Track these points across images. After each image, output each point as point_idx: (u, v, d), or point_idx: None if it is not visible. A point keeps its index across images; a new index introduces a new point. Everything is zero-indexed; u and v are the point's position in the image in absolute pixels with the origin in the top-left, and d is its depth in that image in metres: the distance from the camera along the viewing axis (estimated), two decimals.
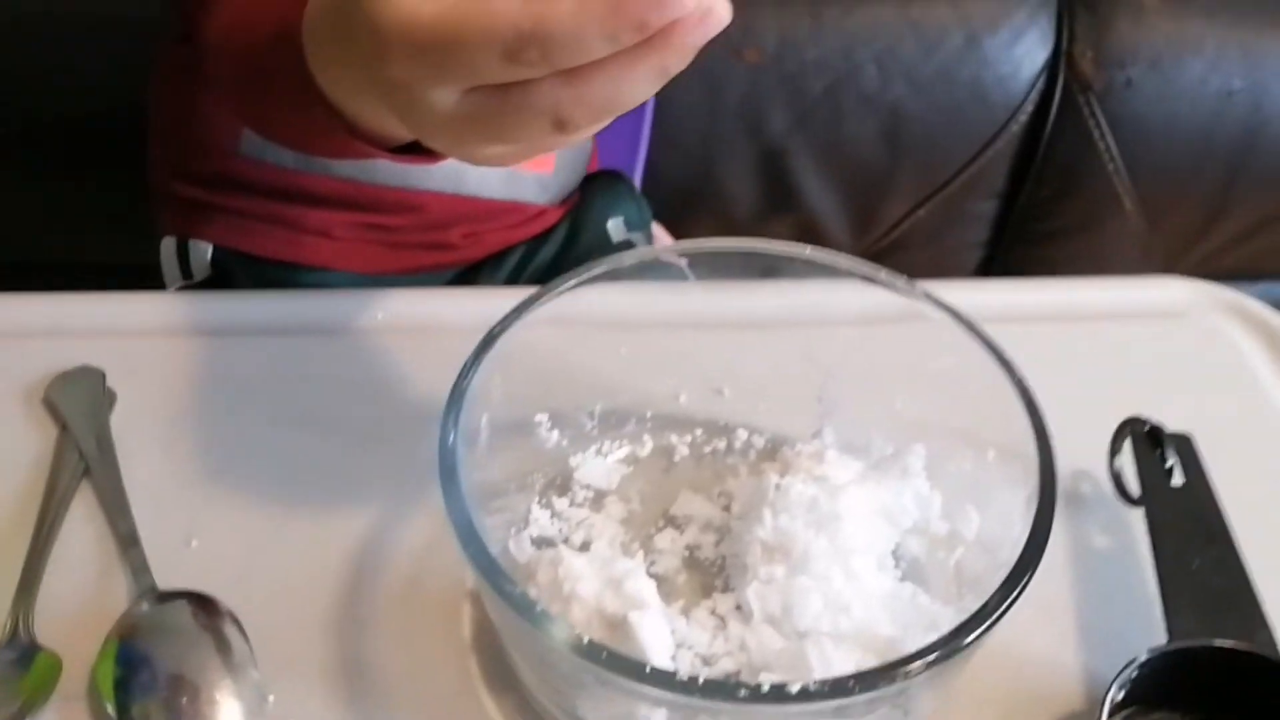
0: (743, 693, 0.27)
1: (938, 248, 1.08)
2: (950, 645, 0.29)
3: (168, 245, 0.68)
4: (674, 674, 0.28)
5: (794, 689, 0.27)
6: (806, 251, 0.42)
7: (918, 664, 0.28)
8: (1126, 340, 0.51)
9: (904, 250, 1.08)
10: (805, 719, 0.28)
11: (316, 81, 0.37)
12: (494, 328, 0.38)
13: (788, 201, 1.03)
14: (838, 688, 0.28)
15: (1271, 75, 0.95)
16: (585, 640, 0.28)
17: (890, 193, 1.03)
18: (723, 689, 0.28)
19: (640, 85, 0.28)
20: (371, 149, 0.39)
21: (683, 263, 0.43)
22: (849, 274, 0.41)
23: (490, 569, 0.30)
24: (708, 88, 0.96)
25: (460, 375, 0.36)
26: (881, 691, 0.28)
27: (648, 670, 0.28)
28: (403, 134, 0.39)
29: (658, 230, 0.83)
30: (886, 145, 0.99)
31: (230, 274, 0.66)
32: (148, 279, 0.70)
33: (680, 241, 0.46)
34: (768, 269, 0.44)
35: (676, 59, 0.28)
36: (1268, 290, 1.14)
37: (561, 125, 0.29)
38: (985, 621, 0.30)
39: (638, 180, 0.86)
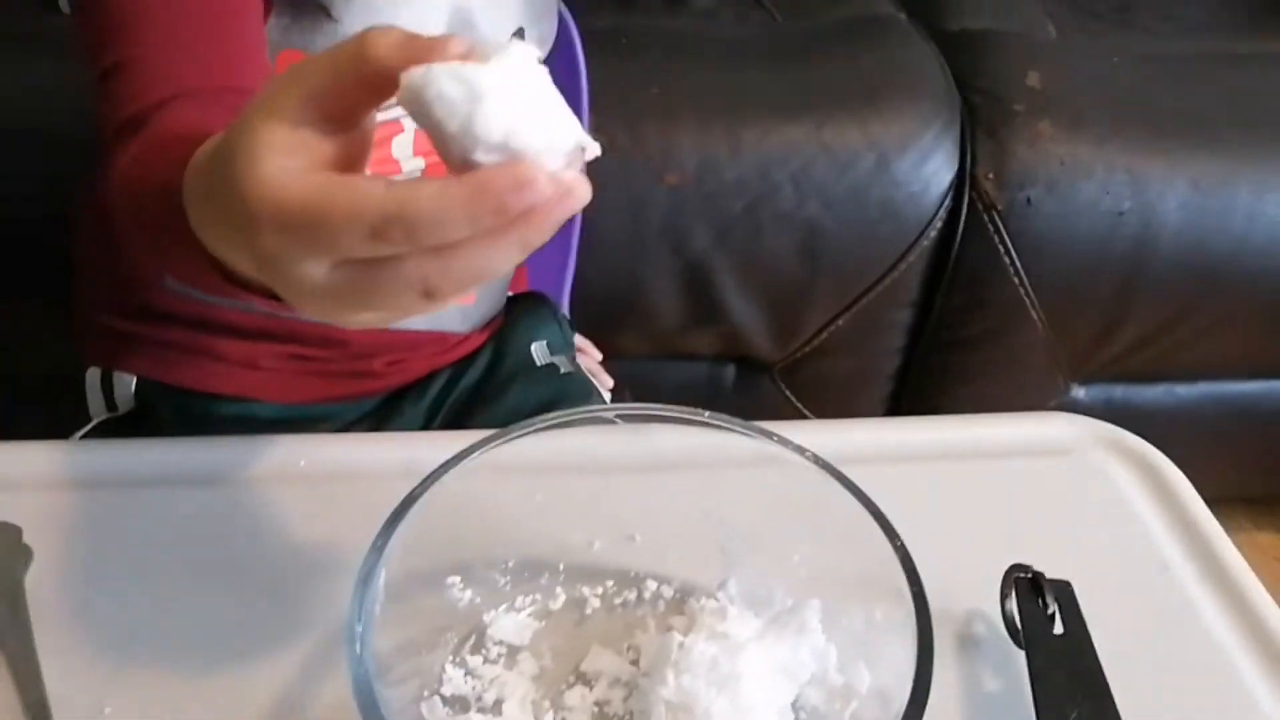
0: None
1: (857, 355, 1.13)
2: None
3: (93, 375, 0.68)
4: None
5: None
6: (704, 415, 0.44)
7: None
8: (1015, 477, 0.54)
9: (825, 357, 1.12)
10: None
11: (197, 236, 0.38)
12: (409, 494, 0.40)
13: (712, 314, 1.06)
14: None
15: (1157, 198, 1.02)
16: None
17: (810, 304, 1.07)
18: None
19: (503, 257, 0.30)
20: (255, 295, 0.40)
21: (612, 417, 0.45)
22: (741, 432, 0.43)
23: None
24: (632, 208, 1.00)
25: (372, 547, 0.38)
26: None
27: None
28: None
29: (583, 343, 0.85)
30: (805, 260, 1.03)
31: (154, 405, 0.66)
32: (72, 391, 0.70)
33: (609, 405, 0.47)
34: (670, 422, 0.46)
35: (537, 234, 0.30)
36: (1169, 390, 1.21)
37: (429, 294, 0.30)
38: None
39: (566, 295, 0.89)
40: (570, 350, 0.77)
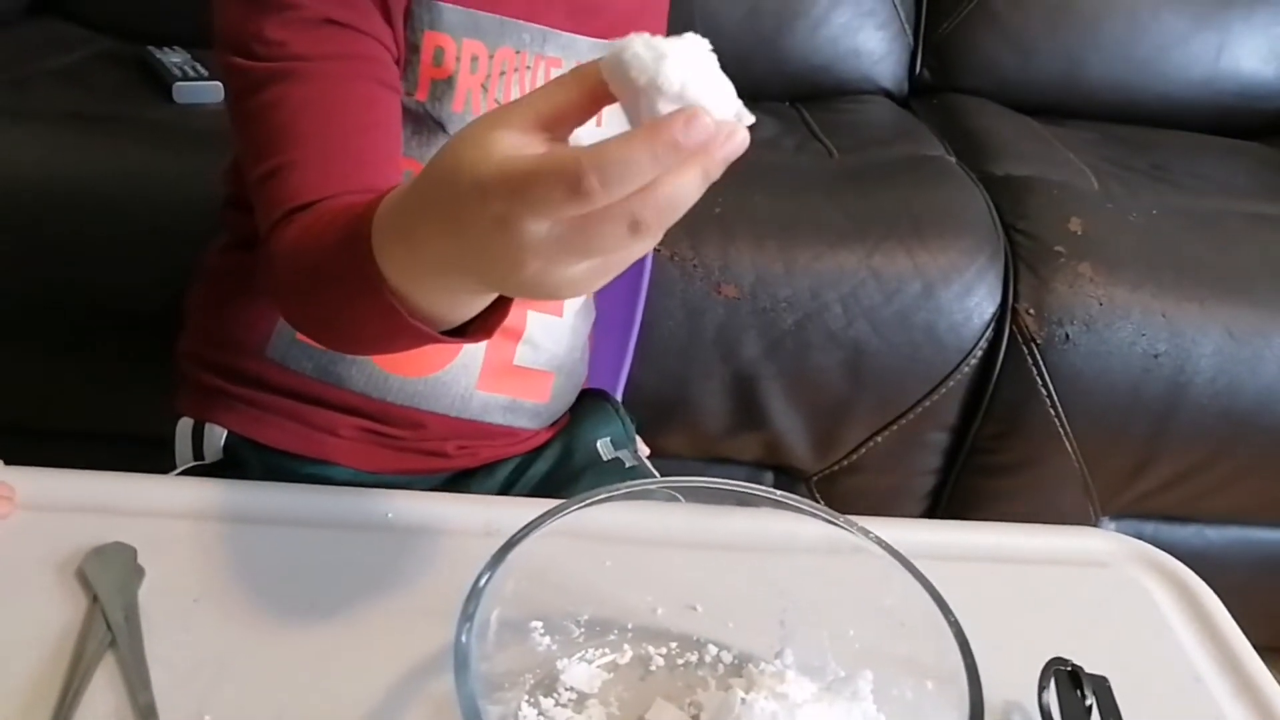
0: None
1: (893, 472, 1.16)
2: None
3: (184, 425, 0.73)
4: None
5: None
6: (776, 494, 0.48)
7: None
8: (1055, 583, 0.57)
9: (862, 473, 1.16)
10: None
11: (381, 273, 0.45)
12: (511, 538, 0.44)
13: (756, 421, 1.11)
14: None
15: (1190, 342, 1.06)
16: None
17: (851, 420, 1.11)
18: None
19: (690, 186, 0.36)
20: (420, 332, 0.46)
21: (676, 495, 0.50)
22: (811, 514, 0.47)
23: None
24: (688, 316, 1.05)
25: (479, 576, 0.42)
26: None
27: None
28: (450, 313, 0.46)
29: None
30: (849, 377, 1.08)
31: (240, 459, 0.71)
32: (154, 452, 0.75)
33: (671, 478, 0.52)
34: (742, 499, 0.50)
35: (714, 165, 0.37)
36: (1199, 532, 1.22)
37: (636, 227, 0.36)
38: None
39: (619, 394, 0.94)
40: (633, 445, 0.81)
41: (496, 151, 0.38)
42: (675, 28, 0.79)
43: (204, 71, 1.26)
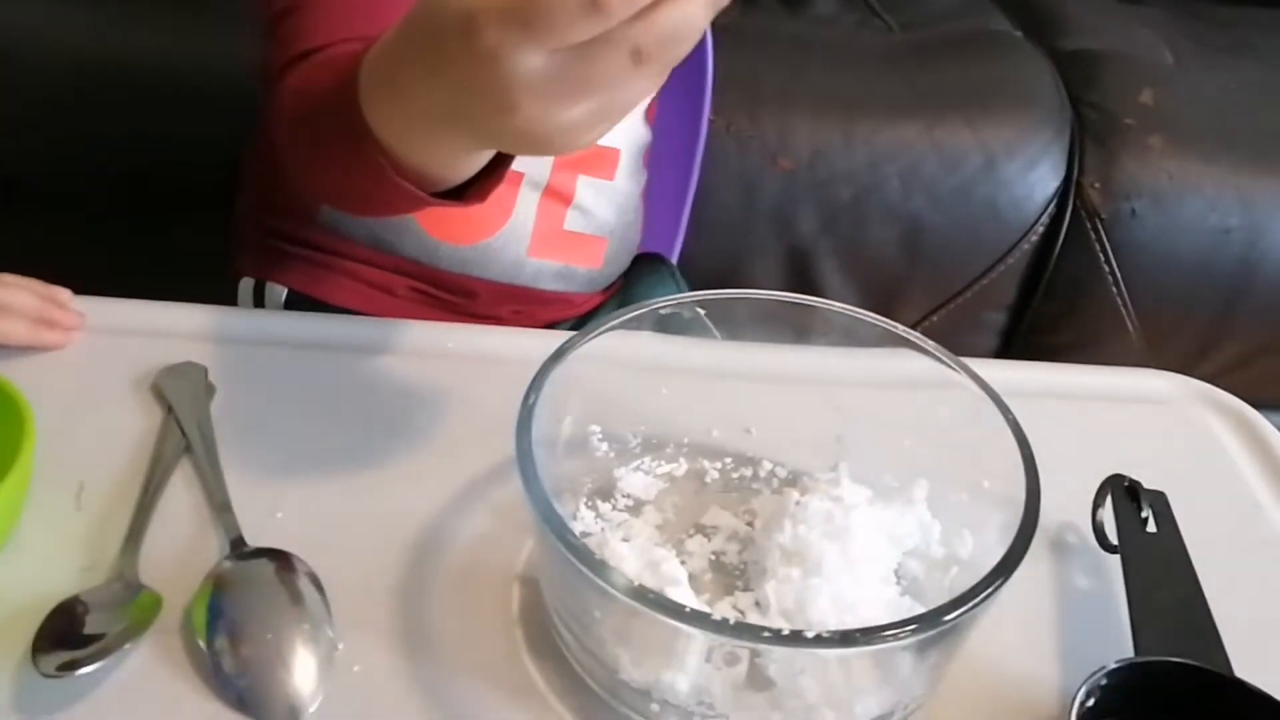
0: (766, 634, 0.32)
1: (949, 351, 1.15)
2: (933, 620, 0.34)
3: (245, 285, 0.75)
4: (709, 615, 0.33)
5: (809, 634, 0.32)
6: (836, 306, 0.48)
7: (907, 629, 0.33)
8: (1116, 418, 0.56)
9: None
10: (814, 664, 0.33)
11: (368, 126, 0.42)
12: (562, 345, 0.44)
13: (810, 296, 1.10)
14: (845, 638, 0.33)
15: (1265, 217, 1.03)
16: (637, 584, 0.33)
17: (907, 297, 1.10)
18: (750, 630, 0.33)
19: (696, 9, 0.33)
20: (413, 195, 0.43)
21: (705, 317, 0.50)
22: (870, 331, 0.47)
23: (559, 525, 0.36)
24: (744, 189, 1.04)
25: (537, 375, 0.42)
26: (879, 647, 0.33)
27: (688, 610, 0.33)
28: (444, 171, 0.43)
29: None
30: (906, 253, 1.06)
31: None
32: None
33: (712, 292, 0.51)
34: (799, 328, 0.50)
35: None
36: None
37: (638, 57, 0.32)
38: (966, 605, 0.35)
39: (675, 255, 0.93)
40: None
41: None
42: None
43: None
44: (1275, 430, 0.56)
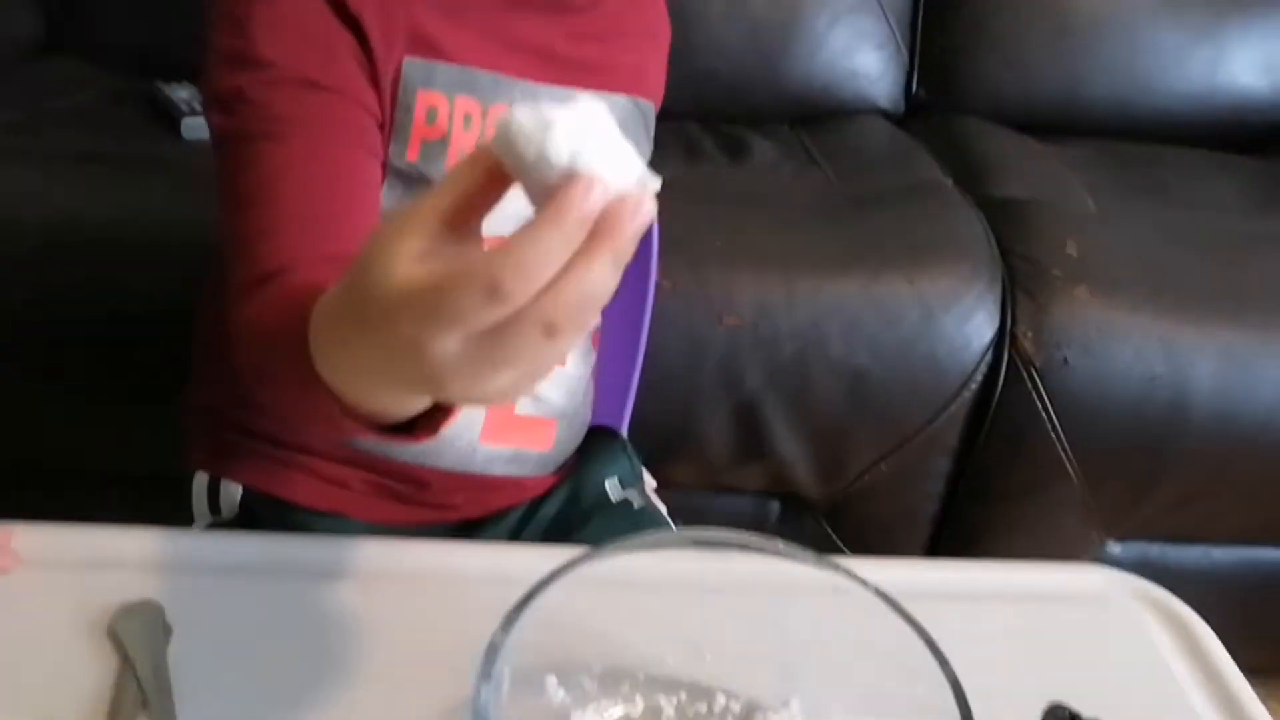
0: None
1: (898, 498, 1.18)
2: None
3: (199, 481, 0.75)
4: None
5: None
6: (779, 545, 0.50)
7: None
8: (1054, 621, 0.58)
9: (868, 499, 1.17)
10: None
11: (318, 375, 0.44)
12: (523, 597, 0.45)
13: (761, 450, 1.12)
14: None
15: (1188, 364, 1.08)
16: None
17: (854, 446, 1.13)
18: None
19: (602, 275, 0.34)
20: (365, 429, 0.45)
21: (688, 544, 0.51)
22: (802, 560, 0.49)
23: None
24: (691, 347, 1.07)
25: (495, 635, 0.43)
26: None
27: None
28: (393, 412, 0.44)
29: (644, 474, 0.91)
30: (851, 405, 1.09)
31: (255, 515, 0.72)
32: (171, 491, 0.77)
33: (686, 530, 0.53)
34: (743, 546, 0.52)
35: (624, 243, 0.34)
36: (1205, 553, 1.24)
37: (550, 331, 0.34)
38: None
39: (624, 426, 0.95)
40: (640, 483, 0.83)
41: (399, 268, 0.36)
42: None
43: None
44: (1207, 630, 0.58)
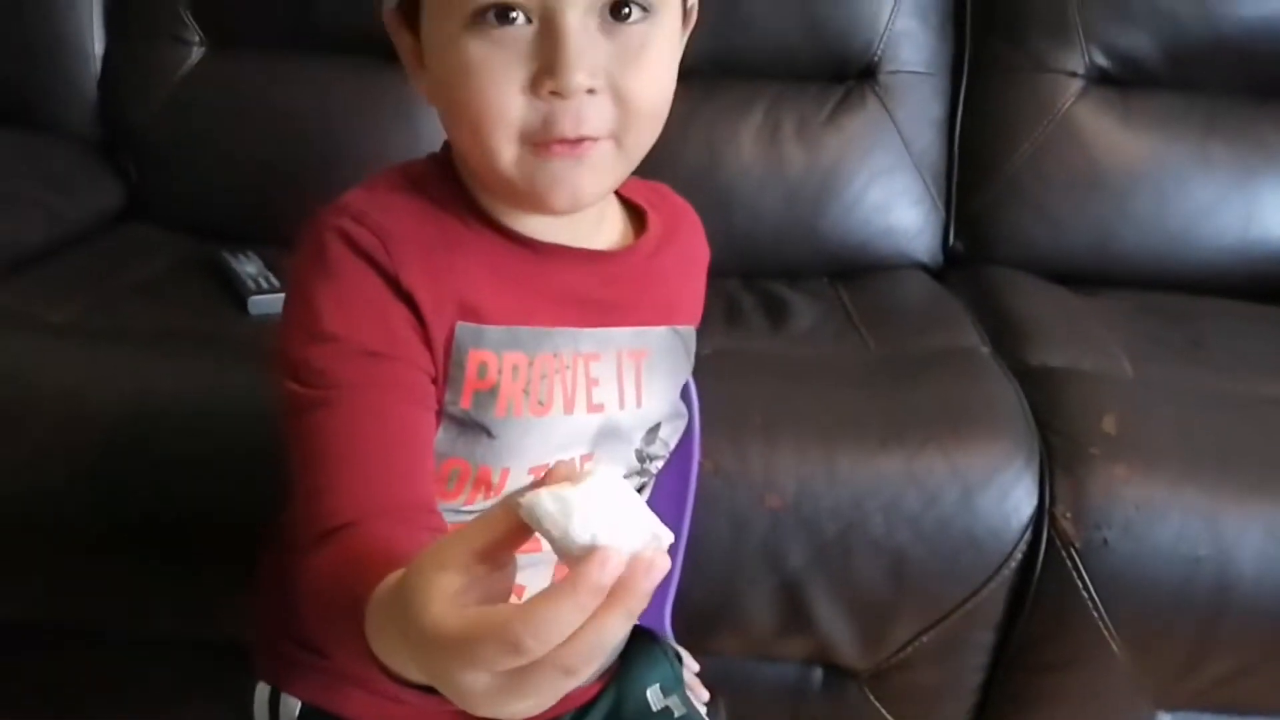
0: None
1: (941, 669, 1.18)
2: None
3: (261, 692, 0.79)
4: None
5: None
6: None
7: None
8: None
9: (910, 670, 1.17)
10: None
11: (376, 657, 0.49)
12: None
13: (804, 624, 1.13)
14: None
15: (1232, 544, 1.08)
16: None
17: (896, 621, 1.13)
18: None
19: (617, 625, 0.40)
20: (420, 696, 0.50)
21: None
22: None
23: None
24: (734, 527, 1.10)
25: None
26: None
27: None
28: None
29: (688, 677, 0.93)
30: (893, 582, 1.11)
31: None
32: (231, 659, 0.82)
33: None
34: None
35: (636, 601, 0.40)
36: None
37: (568, 671, 0.41)
38: None
39: (669, 603, 0.98)
40: (681, 686, 0.85)
41: (435, 605, 0.42)
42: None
43: (275, 283, 1.36)
44: None
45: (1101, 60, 1.58)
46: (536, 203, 0.67)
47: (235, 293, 1.35)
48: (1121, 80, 1.59)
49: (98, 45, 1.64)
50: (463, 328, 0.67)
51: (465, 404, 0.68)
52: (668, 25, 0.66)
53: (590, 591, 0.40)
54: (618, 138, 0.65)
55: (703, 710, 0.85)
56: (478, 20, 0.62)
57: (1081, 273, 1.56)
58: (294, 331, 0.66)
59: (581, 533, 0.41)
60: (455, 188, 0.71)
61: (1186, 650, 1.11)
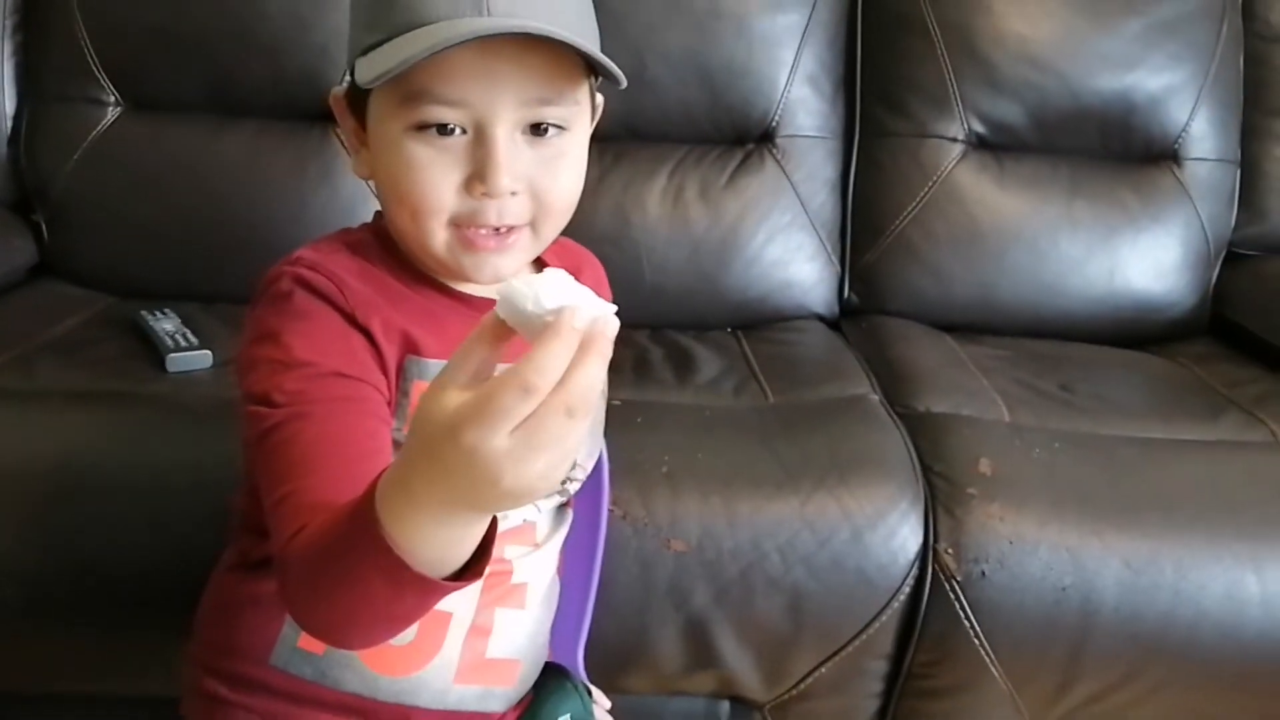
0: None
1: (839, 698, 1.26)
2: None
3: None
4: None
5: None
6: None
7: None
8: None
9: (810, 699, 1.25)
10: None
11: (386, 530, 0.55)
12: None
13: (710, 660, 1.20)
14: None
15: (1094, 575, 1.18)
16: None
17: (796, 654, 1.21)
18: None
19: (597, 368, 0.51)
20: (421, 586, 0.57)
21: None
22: None
23: None
24: (642, 569, 1.16)
25: None
26: None
27: None
28: (449, 555, 0.57)
29: (595, 694, 0.99)
30: (791, 617, 1.18)
31: None
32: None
33: None
34: None
35: (606, 347, 0.52)
36: None
37: (570, 411, 0.50)
38: None
39: (581, 644, 1.03)
40: (590, 717, 0.91)
41: (449, 398, 0.52)
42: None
43: (194, 340, 1.38)
44: None
45: (978, 127, 1.72)
46: (464, 277, 0.80)
47: (153, 350, 1.37)
48: (996, 145, 1.73)
49: (9, 104, 1.65)
50: (411, 360, 0.76)
51: (408, 429, 0.75)
52: (580, 134, 0.78)
53: (570, 333, 0.50)
54: (534, 227, 0.78)
55: None
56: (422, 129, 0.73)
57: (965, 321, 1.68)
58: (262, 367, 0.72)
59: (549, 300, 0.51)
60: (392, 254, 0.81)
61: (1059, 672, 1.21)
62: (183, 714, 0.85)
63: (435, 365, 0.77)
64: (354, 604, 0.61)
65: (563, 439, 0.51)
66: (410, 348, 0.77)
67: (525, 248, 0.79)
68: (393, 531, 0.55)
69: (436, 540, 0.56)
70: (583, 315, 0.51)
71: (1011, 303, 1.69)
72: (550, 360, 0.50)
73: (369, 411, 0.73)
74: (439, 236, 0.76)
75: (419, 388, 0.76)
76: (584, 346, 0.51)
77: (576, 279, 0.90)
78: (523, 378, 0.50)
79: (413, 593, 0.57)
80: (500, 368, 0.54)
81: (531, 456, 0.50)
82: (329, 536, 0.61)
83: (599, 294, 0.94)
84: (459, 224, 0.76)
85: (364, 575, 0.57)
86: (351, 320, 0.75)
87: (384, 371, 0.76)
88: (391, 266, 0.80)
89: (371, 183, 0.83)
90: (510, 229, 0.77)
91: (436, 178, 0.74)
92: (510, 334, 0.54)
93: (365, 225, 0.85)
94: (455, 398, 0.52)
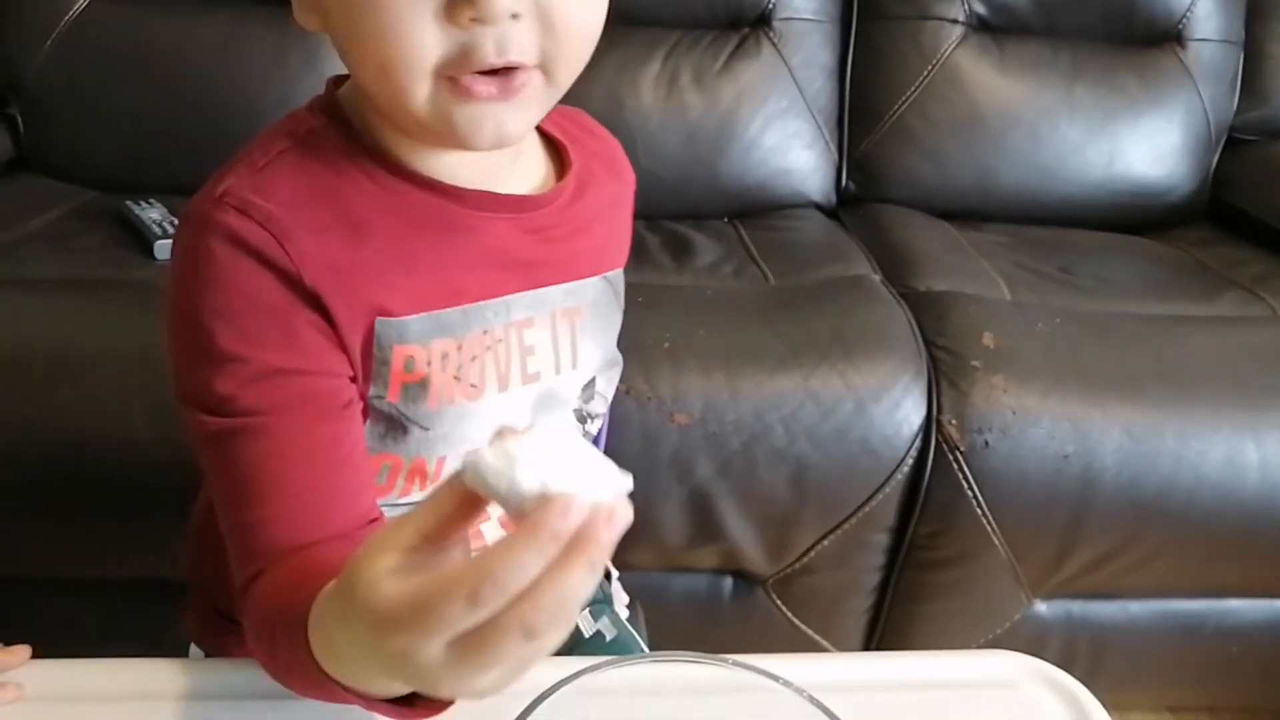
0: None
1: (842, 571, 1.27)
2: None
3: (195, 652, 0.79)
4: None
5: None
6: (728, 661, 0.58)
7: None
8: (967, 708, 0.67)
9: (813, 573, 1.26)
10: None
11: (322, 669, 0.47)
12: (526, 708, 0.52)
13: (713, 534, 1.21)
14: None
15: (1096, 444, 1.19)
16: None
17: (799, 527, 1.21)
18: None
19: (579, 580, 0.36)
20: (375, 705, 0.48)
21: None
22: (725, 665, 0.57)
23: None
24: (646, 444, 1.16)
25: None
26: None
27: None
28: (394, 689, 0.47)
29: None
30: (794, 490, 1.18)
31: None
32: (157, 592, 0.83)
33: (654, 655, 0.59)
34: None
35: (598, 551, 0.36)
36: (1122, 607, 1.34)
37: (529, 633, 0.36)
38: None
39: None
40: (610, 605, 0.86)
41: (383, 586, 0.39)
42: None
43: None
44: (1101, 710, 0.67)
45: (979, 8, 1.68)
46: (455, 143, 0.57)
47: (140, 238, 1.34)
48: (997, 27, 1.69)
49: None
50: (382, 323, 0.60)
51: (393, 398, 0.62)
52: None
53: (549, 536, 0.36)
54: (546, 68, 0.56)
55: (630, 628, 0.88)
56: None
57: (964, 207, 1.66)
58: (186, 358, 0.57)
59: (529, 480, 0.37)
60: (350, 139, 0.61)
61: (1059, 541, 1.22)
62: (188, 634, 0.81)
63: (417, 323, 0.61)
64: (308, 689, 0.53)
65: (517, 659, 0.38)
66: (381, 308, 0.60)
67: (536, 98, 0.57)
68: (329, 671, 0.47)
69: (377, 686, 0.47)
70: (576, 509, 0.36)
71: (1010, 188, 1.67)
72: (510, 568, 0.36)
73: (325, 411, 0.58)
74: (419, 91, 0.54)
75: (401, 353, 0.61)
76: (569, 549, 0.37)
77: (596, 172, 0.71)
78: (470, 585, 0.37)
79: (365, 704, 0.49)
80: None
81: (475, 673, 0.39)
82: (275, 625, 0.52)
83: (620, 189, 0.74)
84: (447, 73, 0.54)
85: (315, 679, 0.49)
86: (296, 284, 0.57)
87: (343, 347, 0.59)
88: (351, 161, 0.60)
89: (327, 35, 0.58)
90: (515, 69, 0.55)
91: (408, 8, 0.52)
92: (482, 506, 0.40)
93: (318, 101, 0.63)
94: (391, 570, 0.40)
